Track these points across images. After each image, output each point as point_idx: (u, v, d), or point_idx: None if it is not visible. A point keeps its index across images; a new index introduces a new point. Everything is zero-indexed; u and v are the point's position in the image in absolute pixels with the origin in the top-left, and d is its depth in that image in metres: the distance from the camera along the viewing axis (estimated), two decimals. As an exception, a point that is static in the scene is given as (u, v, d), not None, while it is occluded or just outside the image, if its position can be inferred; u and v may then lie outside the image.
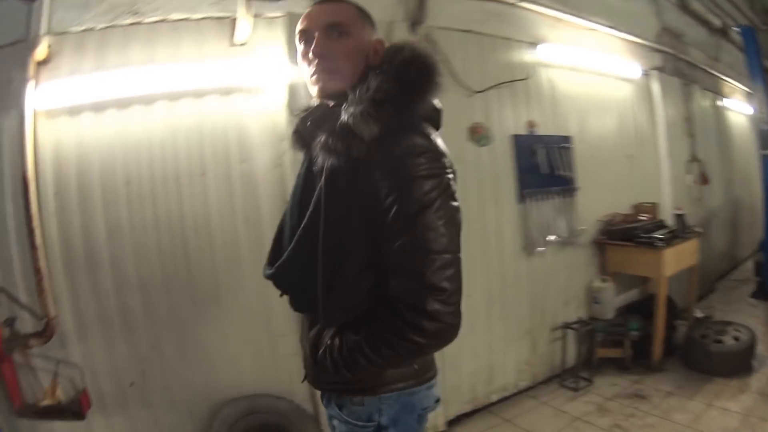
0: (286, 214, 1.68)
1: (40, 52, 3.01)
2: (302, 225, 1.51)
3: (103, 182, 3.17)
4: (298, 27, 1.57)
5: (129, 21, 3.23)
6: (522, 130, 4.55)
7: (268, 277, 1.64)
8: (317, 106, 1.69)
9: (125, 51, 3.21)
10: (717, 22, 7.68)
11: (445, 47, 4.04)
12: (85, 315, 3.13)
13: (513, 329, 4.47)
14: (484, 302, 4.26)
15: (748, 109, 8.79)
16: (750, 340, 4.56)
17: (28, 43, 3.01)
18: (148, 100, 3.26)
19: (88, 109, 3.15)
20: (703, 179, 6.69)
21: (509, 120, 4.48)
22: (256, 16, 3.39)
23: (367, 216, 1.40)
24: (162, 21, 3.30)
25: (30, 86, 2.98)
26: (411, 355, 1.44)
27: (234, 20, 3.37)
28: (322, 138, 1.45)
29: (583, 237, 4.96)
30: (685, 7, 6.99)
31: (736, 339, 4.56)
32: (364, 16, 1.61)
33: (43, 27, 3.03)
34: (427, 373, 1.66)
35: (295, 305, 1.65)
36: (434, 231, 1.34)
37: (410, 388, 1.60)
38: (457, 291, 1.36)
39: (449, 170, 1.42)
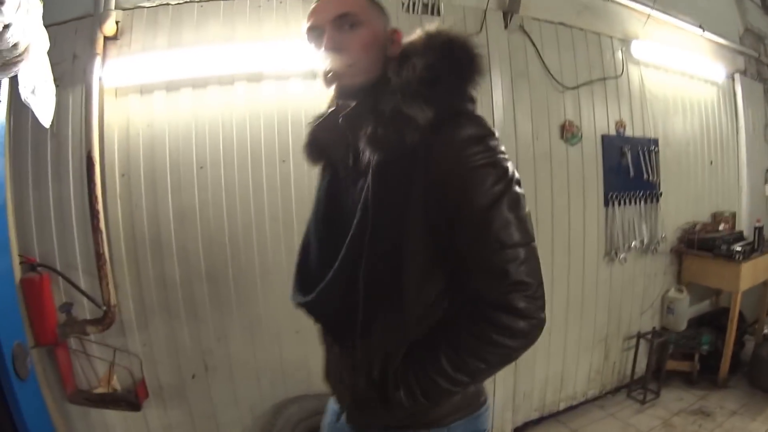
0: (310, 233, 1.50)
1: (109, 27, 2.70)
2: (349, 236, 1.26)
3: (173, 166, 2.82)
4: (305, 26, 1.35)
5: None
6: (611, 131, 4.06)
7: (305, 304, 1.39)
8: (334, 110, 1.44)
9: (202, 28, 2.85)
10: (799, 24, 7.04)
11: (537, 39, 3.63)
12: (147, 304, 2.79)
13: (588, 336, 4.04)
14: (564, 307, 3.83)
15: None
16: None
17: (97, 17, 2.69)
18: (226, 81, 2.89)
19: (160, 88, 2.82)
20: (780, 189, 6.10)
21: (599, 119, 3.99)
22: None
23: (429, 213, 1.21)
24: None
25: (97, 62, 2.66)
26: (501, 363, 1.24)
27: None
28: (367, 130, 1.24)
29: (664, 244, 4.47)
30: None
31: None
32: (374, 3, 1.39)
33: (113, 1, 2.74)
34: (484, 394, 1.46)
35: (338, 333, 1.41)
36: (509, 223, 1.18)
37: (476, 411, 1.41)
38: (541, 283, 1.20)
39: (507, 155, 1.24)
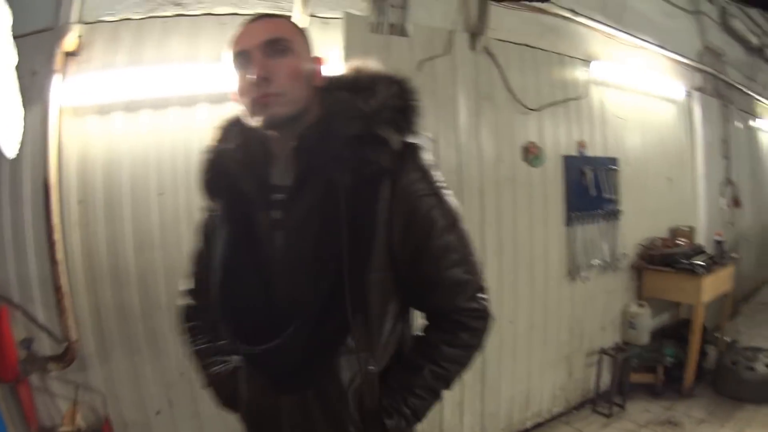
0: (230, 275, 1.36)
1: (69, 42, 2.57)
2: (314, 272, 1.25)
3: (133, 191, 2.71)
4: (232, 50, 1.29)
5: (170, 12, 2.77)
6: (572, 151, 4.11)
7: (262, 353, 1.30)
8: (244, 140, 1.38)
9: (165, 46, 2.74)
10: (755, 40, 7.25)
11: (502, 61, 3.65)
12: (109, 338, 2.71)
13: (552, 354, 4.07)
14: (527, 328, 3.85)
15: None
16: (782, 367, 4.31)
17: (57, 31, 2.57)
18: (188, 102, 2.77)
19: (120, 108, 2.69)
20: (736, 202, 6.27)
21: (561, 140, 4.04)
22: (311, 15, 2.91)
23: (395, 237, 1.27)
24: (207, 14, 2.82)
25: (56, 80, 2.54)
26: (472, 361, 1.37)
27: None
28: (337, 153, 1.24)
29: (624, 261, 4.55)
30: (726, 26, 6.57)
31: None
32: (301, 30, 1.36)
33: (74, 14, 2.60)
34: None
35: (298, 381, 1.32)
36: (466, 236, 1.35)
37: None
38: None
39: None
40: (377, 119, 1.27)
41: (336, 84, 1.36)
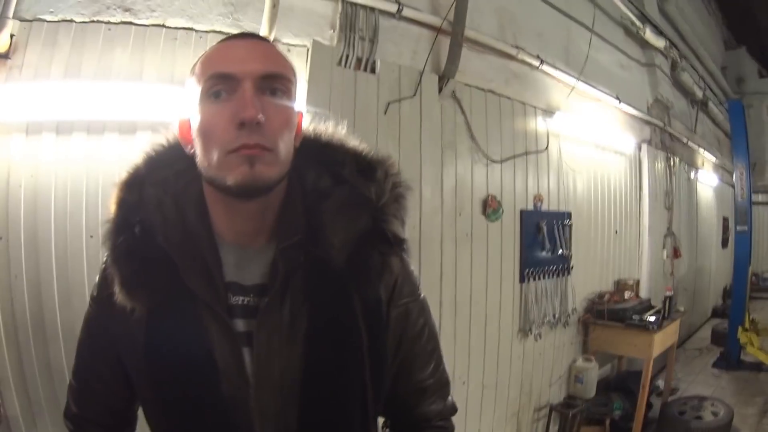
0: (168, 414, 1.02)
1: (2, 40, 2.12)
2: (318, 401, 1.00)
3: (60, 230, 2.28)
4: (210, 68, 0.94)
5: (117, 18, 2.39)
6: (529, 205, 4.09)
7: None
8: (176, 209, 1.03)
9: (106, 57, 2.34)
10: (699, 93, 7.52)
11: (467, 107, 3.58)
12: (34, 398, 2.35)
13: (501, 413, 4.01)
14: (479, 388, 3.76)
15: (713, 179, 8.67)
16: (728, 415, 4.48)
17: None
18: (127, 129, 2.35)
19: (49, 129, 2.24)
20: (676, 253, 6.43)
21: (519, 192, 4.01)
22: (274, 41, 2.60)
23: (393, 343, 1.12)
24: (158, 26, 2.46)
25: None
26: None
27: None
28: (329, 248, 1.00)
29: (573, 317, 4.57)
30: (676, 79, 6.78)
31: (715, 414, 4.50)
32: (294, 69, 1.03)
33: (11, 8, 2.14)
34: None
35: None
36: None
37: None
38: None
39: None
40: (385, 212, 1.05)
41: (311, 150, 1.08)
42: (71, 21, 2.28)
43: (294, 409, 0.98)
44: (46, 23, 2.25)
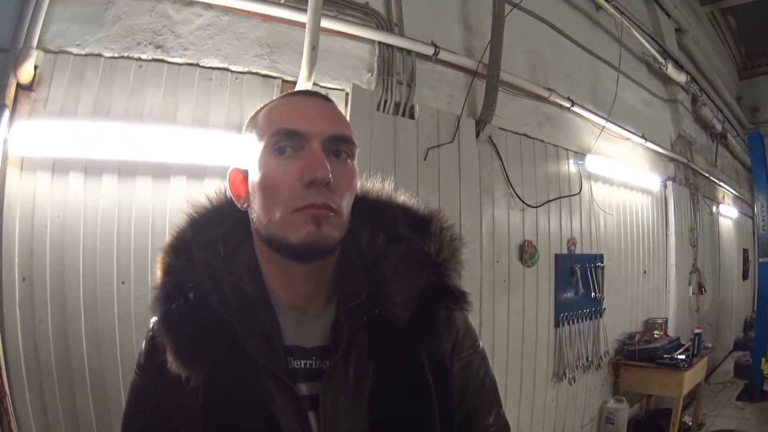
0: None
1: (26, 71, 2.03)
2: None
3: (88, 275, 2.18)
4: (282, 122, 0.92)
5: (148, 55, 2.33)
6: (563, 249, 4.10)
7: None
8: (230, 274, 0.99)
9: (138, 96, 2.28)
10: (719, 126, 7.52)
11: (503, 151, 3.60)
12: None
13: (533, 460, 3.97)
14: (514, 434, 3.73)
15: (733, 212, 8.66)
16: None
17: (13, 54, 2.04)
18: (161, 172, 2.30)
19: (78, 169, 2.16)
20: (700, 289, 6.40)
21: (554, 237, 4.02)
22: (314, 84, 2.57)
23: (461, 395, 1.07)
24: (192, 65, 2.42)
25: (4, 118, 2.00)
26: None
27: (284, 83, 2.62)
28: (393, 306, 0.97)
29: (606, 359, 4.55)
30: (696, 114, 6.80)
31: None
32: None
33: (35, 38, 2.07)
34: None
35: None
36: None
37: None
38: None
39: None
40: (446, 267, 1.03)
41: (360, 208, 1.05)
42: (99, 55, 2.24)
43: None
44: (72, 56, 2.19)
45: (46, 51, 2.13)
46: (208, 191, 1.08)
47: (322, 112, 0.95)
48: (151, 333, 1.03)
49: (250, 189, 0.96)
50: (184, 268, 0.98)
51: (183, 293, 0.96)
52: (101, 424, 2.23)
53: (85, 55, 2.22)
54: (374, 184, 1.11)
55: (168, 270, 0.99)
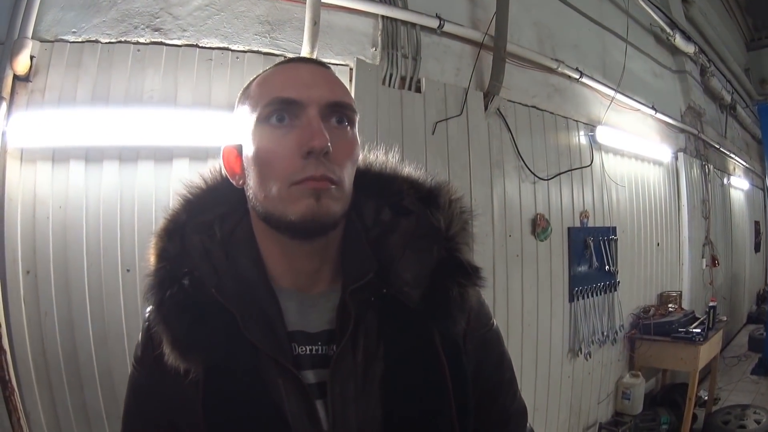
0: None
1: (22, 62, 2.00)
2: None
3: (92, 264, 2.14)
4: (275, 91, 0.87)
5: (146, 38, 2.28)
6: (576, 222, 4.02)
7: None
8: (228, 257, 0.93)
9: (137, 80, 2.22)
10: (728, 98, 7.42)
11: (512, 123, 3.52)
12: None
13: (551, 436, 3.93)
14: (530, 411, 3.65)
15: (744, 184, 8.56)
16: (771, 422, 4.44)
17: (8, 46, 2.01)
18: (163, 155, 2.25)
19: (78, 157, 2.12)
20: (714, 262, 6.33)
21: (567, 210, 3.94)
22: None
23: (476, 375, 1.00)
24: (191, 46, 2.36)
25: (1, 111, 1.97)
26: None
27: (288, 60, 2.57)
28: (403, 284, 0.91)
29: (621, 333, 4.48)
30: (705, 85, 6.70)
31: (758, 422, 4.46)
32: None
33: (29, 28, 2.05)
34: None
35: None
36: None
37: None
38: None
39: None
40: (457, 241, 0.97)
41: (364, 182, 0.99)
42: (96, 42, 2.21)
43: None
44: (69, 44, 2.15)
45: (42, 40, 2.10)
46: (203, 171, 1.03)
47: (318, 79, 0.89)
48: (146, 323, 0.97)
49: (244, 164, 0.91)
50: (178, 253, 0.94)
51: (178, 279, 0.91)
52: (111, 417, 2.20)
53: (82, 42, 2.19)
54: (378, 155, 1.05)
55: (162, 255, 0.94)
